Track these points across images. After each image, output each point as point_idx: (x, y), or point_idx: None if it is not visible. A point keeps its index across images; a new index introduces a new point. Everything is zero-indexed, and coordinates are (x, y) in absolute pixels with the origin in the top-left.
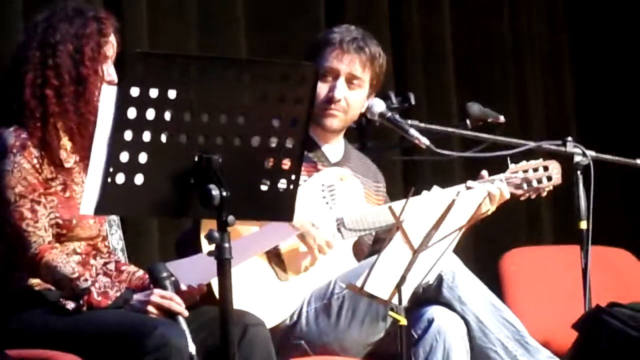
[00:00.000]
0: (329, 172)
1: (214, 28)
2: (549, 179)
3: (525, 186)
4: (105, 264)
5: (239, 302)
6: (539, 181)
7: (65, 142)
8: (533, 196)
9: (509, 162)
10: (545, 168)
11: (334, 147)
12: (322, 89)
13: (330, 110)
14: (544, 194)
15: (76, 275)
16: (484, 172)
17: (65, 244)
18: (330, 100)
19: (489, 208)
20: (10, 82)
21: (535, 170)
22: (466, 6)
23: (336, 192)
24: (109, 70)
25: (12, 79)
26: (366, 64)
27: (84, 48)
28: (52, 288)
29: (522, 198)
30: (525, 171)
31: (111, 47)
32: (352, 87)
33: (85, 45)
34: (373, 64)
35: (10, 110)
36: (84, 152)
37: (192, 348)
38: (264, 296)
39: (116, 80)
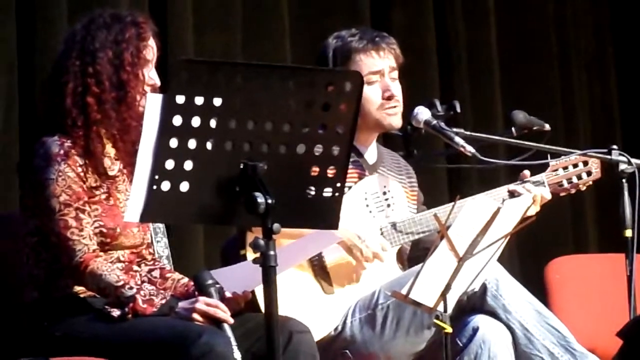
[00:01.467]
0: (371, 180)
1: (259, 35)
2: (589, 174)
3: (565, 183)
4: (150, 271)
5: (284, 314)
6: (579, 177)
7: (109, 149)
8: (573, 192)
9: (549, 161)
10: (585, 163)
11: (371, 150)
12: (374, 91)
13: (392, 108)
14: (584, 188)
15: (121, 283)
16: (526, 172)
17: (109, 252)
18: (390, 98)
19: (534, 211)
20: (51, 92)
21: (575, 166)
22: (512, 15)
23: (379, 200)
24: (151, 74)
25: (53, 89)
26: (397, 53)
27: (123, 53)
28: (97, 295)
29: (563, 194)
30: (565, 168)
31: (151, 50)
32: (394, 79)
33: (125, 50)
34: (398, 52)
35: (54, 119)
36: (127, 159)
37: (237, 355)
38: (309, 309)
39: (158, 84)
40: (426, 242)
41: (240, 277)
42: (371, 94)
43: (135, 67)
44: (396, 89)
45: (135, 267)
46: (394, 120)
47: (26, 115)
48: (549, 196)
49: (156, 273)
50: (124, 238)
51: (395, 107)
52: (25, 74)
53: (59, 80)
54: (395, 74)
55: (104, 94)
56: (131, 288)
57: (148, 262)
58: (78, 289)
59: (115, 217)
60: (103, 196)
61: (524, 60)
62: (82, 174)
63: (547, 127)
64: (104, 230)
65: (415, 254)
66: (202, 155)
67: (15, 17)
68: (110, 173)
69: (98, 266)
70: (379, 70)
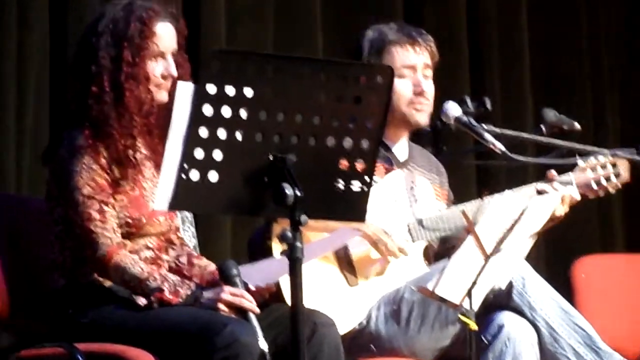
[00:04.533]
0: (398, 175)
1: (291, 28)
2: (617, 176)
3: (594, 185)
4: (177, 256)
5: (308, 306)
6: (607, 179)
7: (136, 141)
8: (601, 194)
9: (577, 160)
10: (614, 165)
11: (401, 146)
12: (405, 85)
13: (421, 104)
14: (613, 191)
15: (145, 275)
16: (553, 172)
17: (135, 240)
18: (420, 94)
19: (561, 211)
20: (71, 83)
21: (604, 167)
22: (544, 13)
23: (406, 196)
24: (161, 67)
25: (71, 80)
26: (433, 50)
27: (122, 52)
28: None
29: (591, 196)
30: (594, 169)
31: (163, 41)
32: (427, 77)
33: (124, 49)
34: (434, 50)
35: (80, 111)
36: (151, 150)
37: (263, 345)
38: (335, 302)
39: (174, 74)
40: (454, 238)
41: (264, 272)
42: (402, 88)
43: (135, 66)
44: (428, 86)
45: (164, 256)
46: (421, 117)
47: (57, 104)
48: (577, 197)
49: (183, 259)
50: (149, 227)
51: (424, 104)
52: (57, 63)
53: (74, 71)
54: (429, 72)
55: (104, 94)
56: (155, 279)
57: (176, 247)
58: (101, 278)
59: (140, 207)
60: (128, 187)
61: (555, 58)
62: (105, 166)
63: (577, 126)
64: (130, 220)
65: (442, 250)
66: (232, 146)
67: (48, 6)
68: (135, 163)
69: (122, 259)
70: (413, 64)
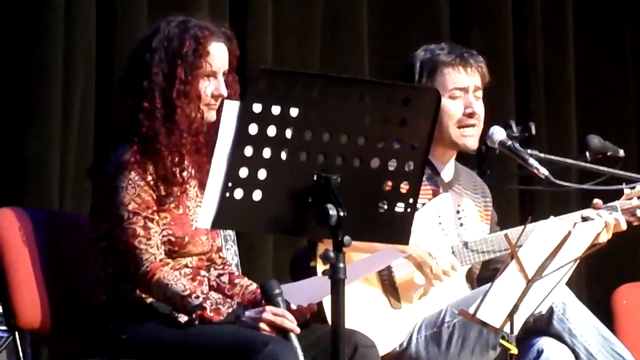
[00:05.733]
0: (445, 198)
1: (337, 49)
2: None
3: (639, 212)
4: (219, 275)
5: (349, 327)
6: None
7: (184, 159)
8: None
9: (624, 187)
10: None
11: (449, 167)
12: (456, 106)
13: (471, 127)
14: None
15: (187, 292)
16: (598, 200)
17: (177, 260)
18: (471, 115)
19: (605, 238)
20: (118, 98)
21: None
22: (590, 40)
23: (453, 219)
24: (213, 86)
25: (118, 95)
26: (484, 72)
27: (176, 69)
28: None
29: (636, 223)
30: None
31: (217, 60)
32: (478, 98)
33: (178, 66)
34: (485, 71)
35: (130, 126)
36: (197, 169)
37: None
38: (376, 324)
39: (224, 94)
40: (496, 262)
41: (306, 291)
42: (452, 109)
43: (188, 84)
44: (479, 107)
45: (203, 272)
46: (470, 141)
47: (102, 119)
48: (624, 224)
49: (225, 278)
50: (192, 246)
51: (474, 125)
52: (103, 79)
53: (125, 87)
54: (480, 93)
55: (155, 110)
56: (198, 297)
57: (218, 267)
58: (144, 295)
59: (184, 226)
60: (172, 205)
61: (601, 85)
62: (152, 183)
63: (622, 152)
64: (172, 239)
65: (485, 274)
66: (276, 165)
67: (96, 19)
68: (181, 181)
69: (164, 275)
70: (465, 87)
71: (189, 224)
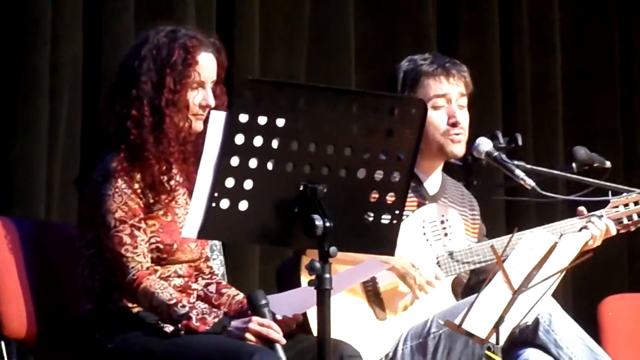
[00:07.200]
0: (430, 208)
1: (324, 59)
2: None
3: (625, 220)
4: (206, 285)
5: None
6: (639, 215)
7: (171, 167)
8: (633, 229)
9: (610, 198)
10: None
11: (434, 178)
12: (440, 116)
13: (456, 135)
14: None
15: (174, 301)
16: (582, 208)
17: (166, 266)
18: (454, 125)
19: (594, 244)
20: (105, 107)
21: (636, 203)
22: (578, 50)
23: (437, 229)
24: (200, 96)
25: (105, 104)
26: (467, 81)
27: (165, 79)
28: None
29: (622, 231)
30: (626, 205)
31: (205, 70)
32: (462, 107)
33: (167, 75)
34: (468, 80)
35: (117, 134)
36: (186, 177)
37: None
38: (361, 334)
39: (212, 104)
40: (486, 271)
41: (291, 301)
42: (436, 119)
43: (176, 93)
44: (462, 116)
45: (193, 285)
46: (457, 148)
47: (89, 128)
48: (614, 230)
49: (212, 288)
50: (180, 253)
51: (459, 134)
52: (89, 88)
53: (113, 95)
54: (464, 101)
55: (144, 118)
56: (184, 306)
57: (205, 276)
58: (130, 304)
59: (172, 233)
60: (161, 212)
61: (588, 96)
62: (139, 191)
63: (608, 164)
64: (161, 246)
65: (473, 283)
66: (263, 175)
67: (82, 28)
68: (168, 189)
69: (151, 284)
70: (445, 94)
71: (178, 231)
